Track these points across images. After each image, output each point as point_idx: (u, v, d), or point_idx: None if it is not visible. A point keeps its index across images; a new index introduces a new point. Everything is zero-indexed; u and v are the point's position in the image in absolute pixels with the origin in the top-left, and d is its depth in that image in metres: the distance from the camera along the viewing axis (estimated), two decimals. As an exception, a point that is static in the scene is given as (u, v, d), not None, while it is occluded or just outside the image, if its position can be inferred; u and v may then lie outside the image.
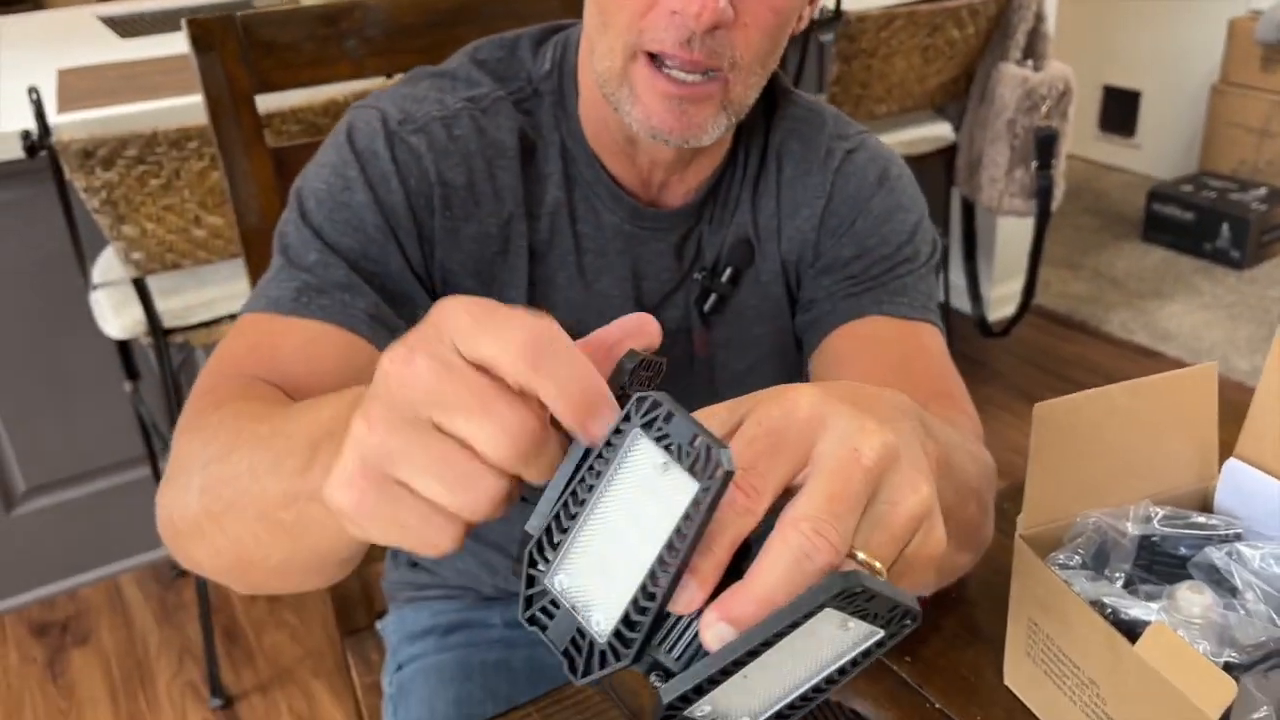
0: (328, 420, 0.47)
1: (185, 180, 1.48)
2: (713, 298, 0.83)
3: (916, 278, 0.82)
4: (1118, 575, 0.62)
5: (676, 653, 0.39)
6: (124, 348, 1.91)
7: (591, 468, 0.38)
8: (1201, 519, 0.63)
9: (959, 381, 0.79)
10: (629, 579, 0.37)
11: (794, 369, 0.88)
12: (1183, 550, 0.63)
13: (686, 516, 0.36)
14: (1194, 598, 0.58)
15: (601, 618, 0.38)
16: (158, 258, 1.53)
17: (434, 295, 0.78)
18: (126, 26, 2.15)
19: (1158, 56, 3.73)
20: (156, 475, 2.02)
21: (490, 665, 0.93)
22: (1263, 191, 3.23)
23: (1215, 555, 0.61)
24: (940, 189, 2.56)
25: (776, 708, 0.40)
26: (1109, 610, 0.57)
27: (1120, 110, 3.95)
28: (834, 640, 0.39)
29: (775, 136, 0.83)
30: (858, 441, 0.39)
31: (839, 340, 0.80)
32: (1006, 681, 0.67)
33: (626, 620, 0.37)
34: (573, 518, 0.38)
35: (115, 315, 1.63)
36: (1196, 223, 3.23)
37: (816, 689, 0.40)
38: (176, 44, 1.99)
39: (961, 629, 0.72)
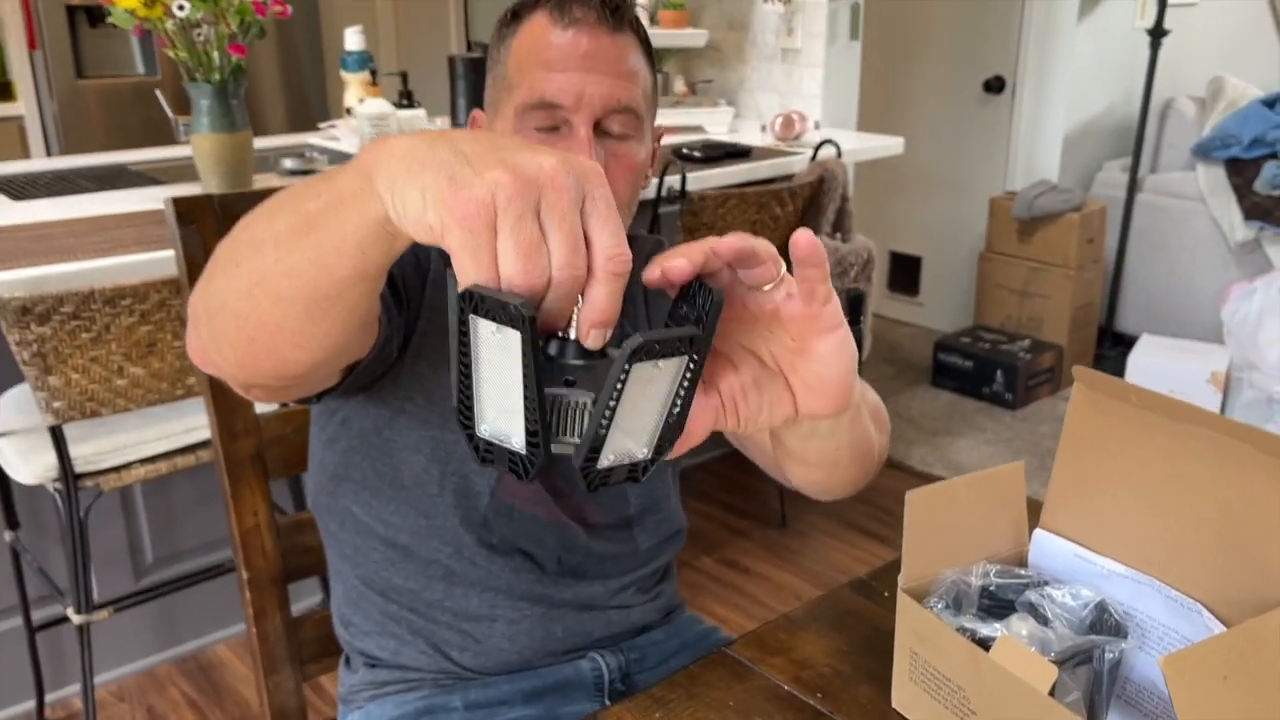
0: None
1: (114, 334, 1.60)
2: None
3: None
4: (969, 614, 0.86)
5: (573, 434, 0.58)
6: (5, 497, 1.95)
7: (464, 352, 0.56)
8: (1021, 572, 0.89)
9: None
10: (518, 410, 0.56)
11: None
12: (1010, 595, 0.88)
13: (523, 353, 0.54)
14: (1021, 624, 0.84)
15: (517, 441, 0.57)
16: (78, 406, 1.63)
17: None
18: (19, 189, 2.18)
19: (934, 228, 4.33)
20: (29, 624, 2.02)
21: (457, 744, 1.08)
22: (1027, 342, 3.77)
23: (1033, 596, 0.87)
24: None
25: (656, 434, 0.61)
26: (968, 632, 0.82)
27: (905, 273, 4.52)
28: (661, 378, 0.58)
29: None
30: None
31: None
32: (895, 704, 0.90)
33: (531, 435, 0.56)
34: (470, 383, 0.57)
35: (24, 463, 1.70)
36: (975, 369, 3.72)
37: (674, 412, 0.61)
38: (77, 206, 2.05)
39: (858, 674, 0.95)
